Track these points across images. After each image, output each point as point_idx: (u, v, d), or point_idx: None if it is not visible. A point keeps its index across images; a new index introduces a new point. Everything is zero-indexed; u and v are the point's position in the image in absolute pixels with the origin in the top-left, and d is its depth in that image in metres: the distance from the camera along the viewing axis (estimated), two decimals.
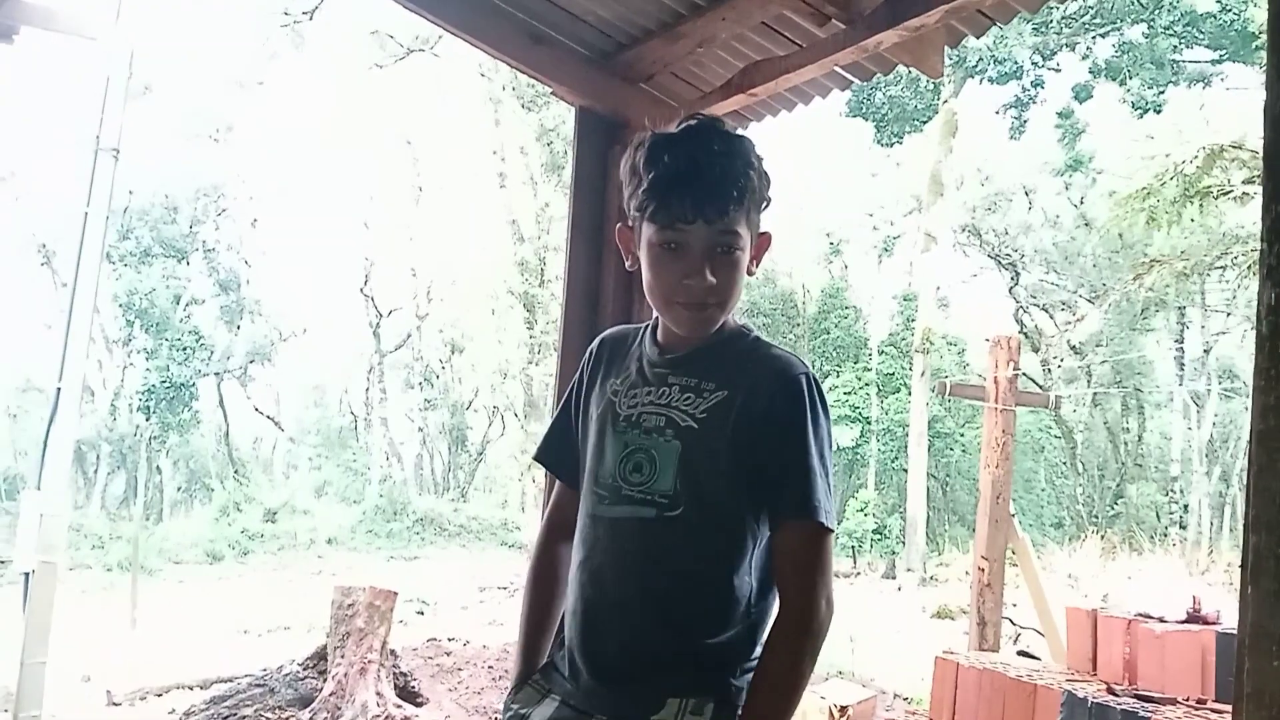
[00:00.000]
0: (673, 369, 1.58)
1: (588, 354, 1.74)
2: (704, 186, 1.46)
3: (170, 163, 21.97)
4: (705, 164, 1.47)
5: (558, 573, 1.68)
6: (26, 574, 5.36)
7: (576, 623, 1.56)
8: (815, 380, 1.52)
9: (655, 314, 1.62)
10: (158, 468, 24.23)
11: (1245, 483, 1.27)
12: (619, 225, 1.61)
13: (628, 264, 1.61)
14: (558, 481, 1.76)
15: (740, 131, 1.58)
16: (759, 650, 1.50)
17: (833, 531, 1.48)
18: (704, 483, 1.50)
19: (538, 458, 1.80)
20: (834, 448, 1.62)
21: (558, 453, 1.73)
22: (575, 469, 1.67)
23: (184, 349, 22.34)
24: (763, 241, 1.59)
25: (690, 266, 1.50)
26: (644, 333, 1.68)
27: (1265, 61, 1.29)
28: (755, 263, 1.59)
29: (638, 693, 1.48)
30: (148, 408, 22.17)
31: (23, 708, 5.32)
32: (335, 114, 23.91)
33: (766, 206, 1.56)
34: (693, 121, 1.54)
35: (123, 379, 23.23)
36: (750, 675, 1.49)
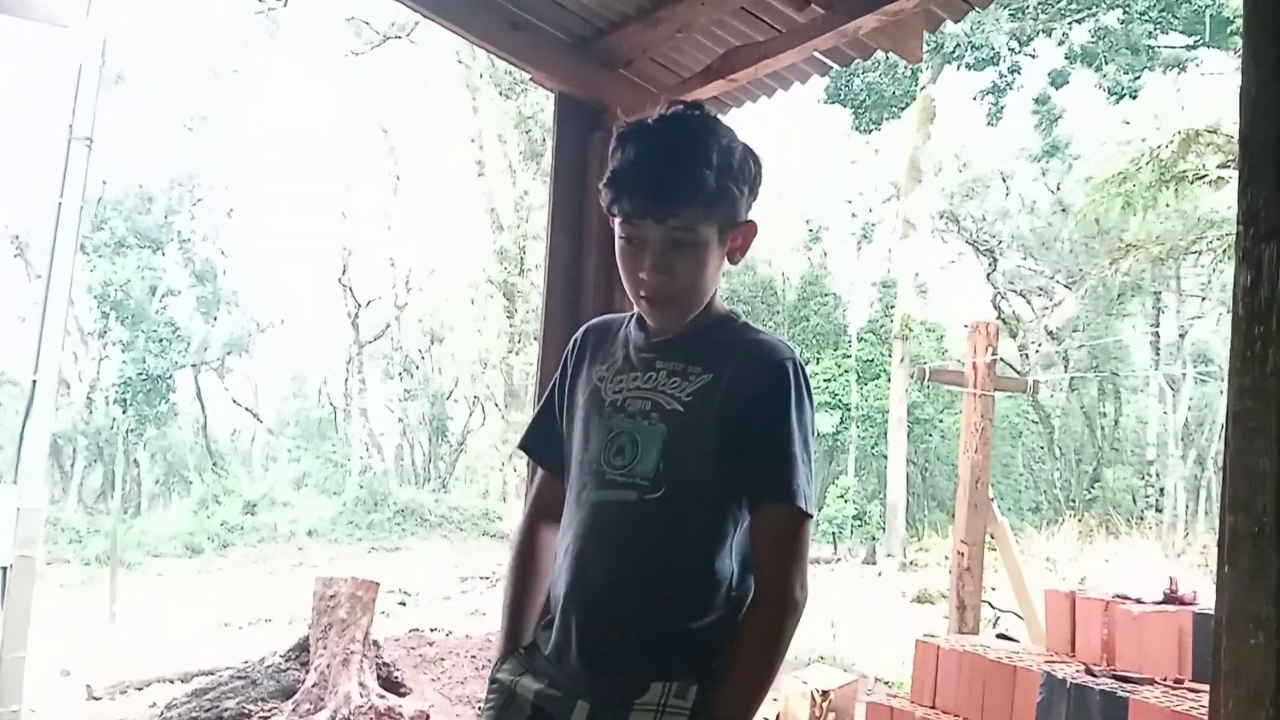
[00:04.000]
0: (660, 354, 1.59)
1: (571, 343, 1.75)
2: (649, 185, 1.46)
3: (144, 152, 21.77)
4: (653, 163, 1.47)
5: (540, 555, 1.68)
6: (4, 568, 5.31)
7: (561, 607, 1.56)
8: (800, 365, 1.53)
9: None
10: (135, 461, 24.04)
11: (1221, 465, 1.28)
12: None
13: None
14: (539, 469, 1.76)
15: (718, 120, 1.56)
16: None
17: (811, 517, 1.49)
18: (687, 465, 1.50)
19: (522, 445, 1.80)
20: (817, 433, 1.62)
21: (541, 441, 1.74)
22: (559, 457, 1.68)
23: (160, 340, 22.14)
24: (746, 231, 1.58)
25: (648, 261, 1.50)
26: (630, 320, 1.68)
27: (1241, 47, 1.30)
28: (739, 253, 1.59)
29: (622, 676, 1.49)
30: (124, 400, 21.98)
31: (2, 702, 5.28)
32: (311, 102, 23.76)
33: (745, 197, 1.54)
34: (665, 111, 1.53)
35: (98, 371, 23.00)
36: None
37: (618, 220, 1.52)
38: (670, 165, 1.47)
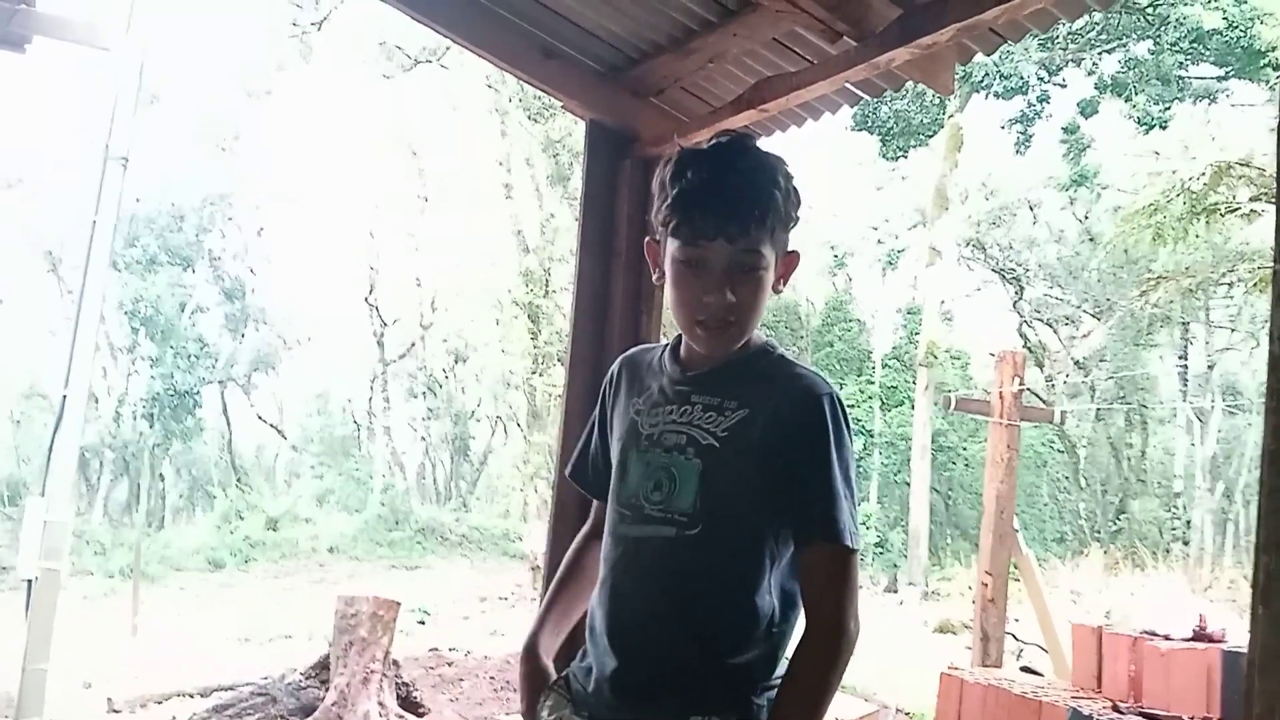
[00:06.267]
0: (695, 387, 1.57)
1: (609, 376, 1.75)
2: (725, 204, 1.45)
3: (177, 171, 22.03)
4: (728, 182, 1.47)
5: (587, 565, 1.72)
6: (29, 580, 5.36)
7: (598, 640, 1.56)
8: (839, 400, 1.52)
9: (676, 332, 1.62)
10: (160, 475, 24.21)
11: (1253, 501, 1.27)
12: (647, 239, 1.61)
13: (654, 278, 1.61)
14: (595, 501, 1.78)
15: (771, 150, 1.57)
16: (781, 669, 1.50)
17: (857, 551, 1.49)
18: (724, 501, 1.49)
19: (571, 476, 1.81)
20: (858, 466, 1.63)
21: (589, 471, 1.76)
22: (605, 486, 1.68)
23: (188, 357, 22.36)
24: (790, 260, 1.58)
25: (711, 284, 1.49)
26: (664, 351, 1.68)
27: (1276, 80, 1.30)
28: (783, 281, 1.58)
29: (660, 711, 1.49)
30: (151, 415, 22.18)
31: (24, 713, 5.31)
32: (342, 124, 23.97)
33: (794, 225, 1.55)
34: (723, 138, 1.54)
35: (127, 386, 23.22)
36: (771, 694, 1.48)
37: (676, 244, 1.50)
38: (742, 185, 1.47)
